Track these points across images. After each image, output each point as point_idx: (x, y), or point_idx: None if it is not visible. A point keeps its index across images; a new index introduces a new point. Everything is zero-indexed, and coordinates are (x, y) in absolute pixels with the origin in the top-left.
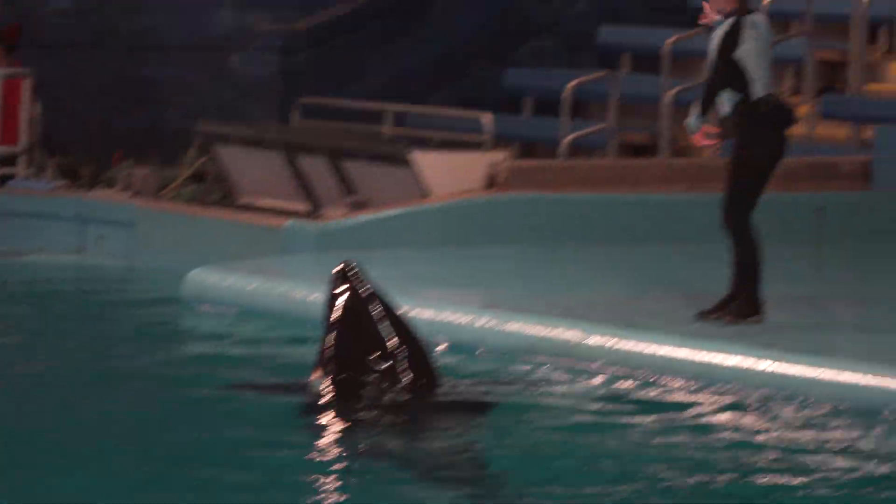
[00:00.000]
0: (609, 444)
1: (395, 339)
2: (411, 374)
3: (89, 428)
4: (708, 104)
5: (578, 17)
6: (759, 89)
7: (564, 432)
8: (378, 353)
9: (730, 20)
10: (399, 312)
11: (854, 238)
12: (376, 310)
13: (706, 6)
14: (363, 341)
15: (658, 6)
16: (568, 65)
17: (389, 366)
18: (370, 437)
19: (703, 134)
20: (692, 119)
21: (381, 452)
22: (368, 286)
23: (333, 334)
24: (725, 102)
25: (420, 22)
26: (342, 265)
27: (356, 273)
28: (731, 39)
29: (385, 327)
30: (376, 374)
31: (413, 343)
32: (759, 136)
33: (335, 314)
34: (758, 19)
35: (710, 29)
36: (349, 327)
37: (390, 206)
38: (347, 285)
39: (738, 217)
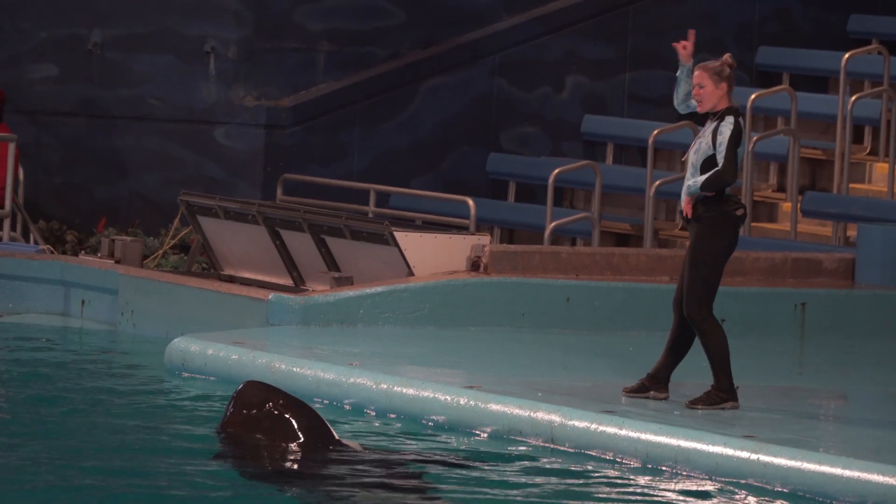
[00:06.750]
0: None
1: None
2: (300, 439)
3: (60, 489)
4: (714, 189)
5: (563, 105)
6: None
7: None
8: (270, 423)
9: (730, 118)
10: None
11: (837, 334)
12: (270, 394)
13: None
14: (257, 412)
15: (642, 98)
16: (552, 152)
17: (280, 431)
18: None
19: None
20: (691, 184)
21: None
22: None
23: (233, 405)
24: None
25: (406, 103)
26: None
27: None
28: (738, 138)
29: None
30: (267, 438)
31: (304, 418)
32: (725, 228)
33: (236, 394)
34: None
35: (697, 120)
36: (245, 403)
37: (374, 284)
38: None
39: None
